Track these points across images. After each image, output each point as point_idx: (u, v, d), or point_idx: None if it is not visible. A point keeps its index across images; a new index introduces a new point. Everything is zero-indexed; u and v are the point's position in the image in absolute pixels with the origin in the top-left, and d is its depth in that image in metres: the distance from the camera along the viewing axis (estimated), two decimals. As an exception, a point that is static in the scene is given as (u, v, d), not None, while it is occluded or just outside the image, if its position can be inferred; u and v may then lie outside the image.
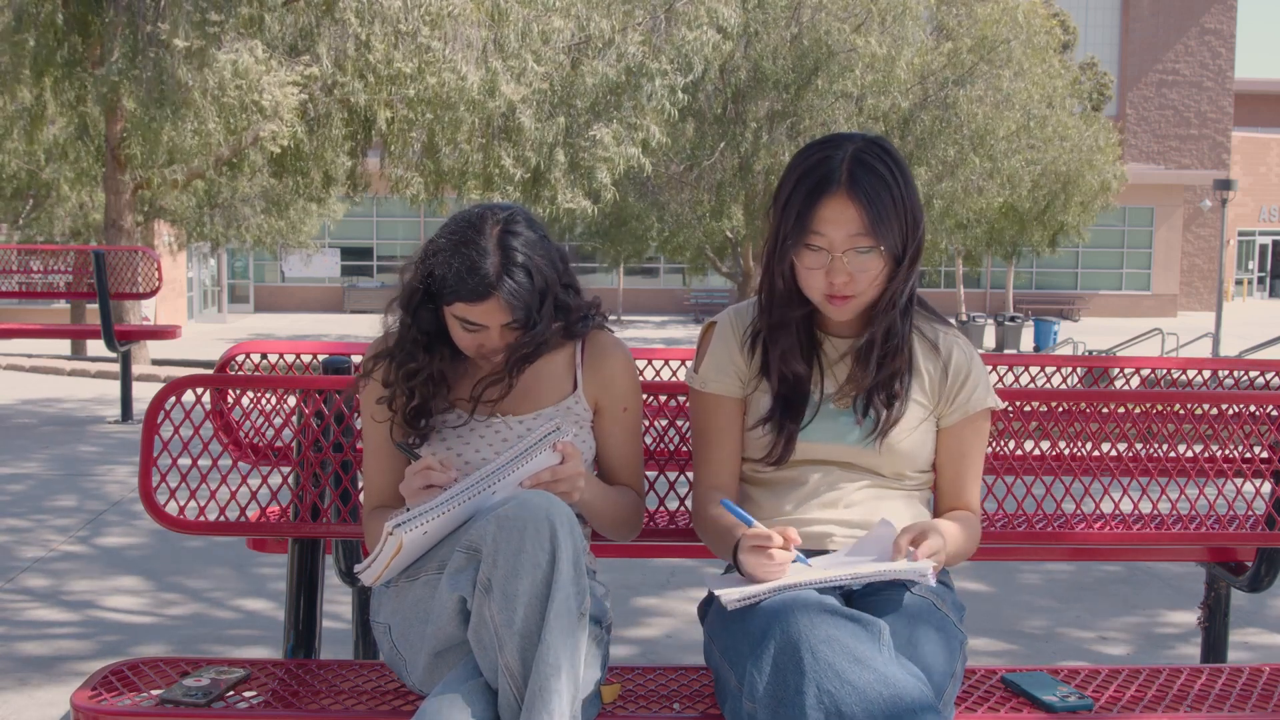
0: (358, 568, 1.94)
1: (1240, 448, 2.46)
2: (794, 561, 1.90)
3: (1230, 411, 2.45)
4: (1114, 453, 2.46)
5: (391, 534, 1.86)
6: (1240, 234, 44.77)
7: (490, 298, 1.96)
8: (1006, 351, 24.17)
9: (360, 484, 2.40)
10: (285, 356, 3.11)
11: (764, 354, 2.11)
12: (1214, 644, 2.83)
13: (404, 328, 2.06)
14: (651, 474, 2.47)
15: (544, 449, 1.92)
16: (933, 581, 1.87)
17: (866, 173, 1.96)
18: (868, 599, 1.95)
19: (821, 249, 1.97)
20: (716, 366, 2.13)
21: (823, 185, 1.96)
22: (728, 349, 2.14)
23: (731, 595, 1.85)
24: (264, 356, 3.03)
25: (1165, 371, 3.34)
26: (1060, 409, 2.42)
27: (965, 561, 2.14)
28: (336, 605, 3.82)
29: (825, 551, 2.05)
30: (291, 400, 2.41)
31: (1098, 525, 2.47)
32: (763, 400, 2.10)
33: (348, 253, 36.78)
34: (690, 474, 2.27)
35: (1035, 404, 2.42)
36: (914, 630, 1.86)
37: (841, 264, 1.97)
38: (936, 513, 2.17)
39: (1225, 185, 23.53)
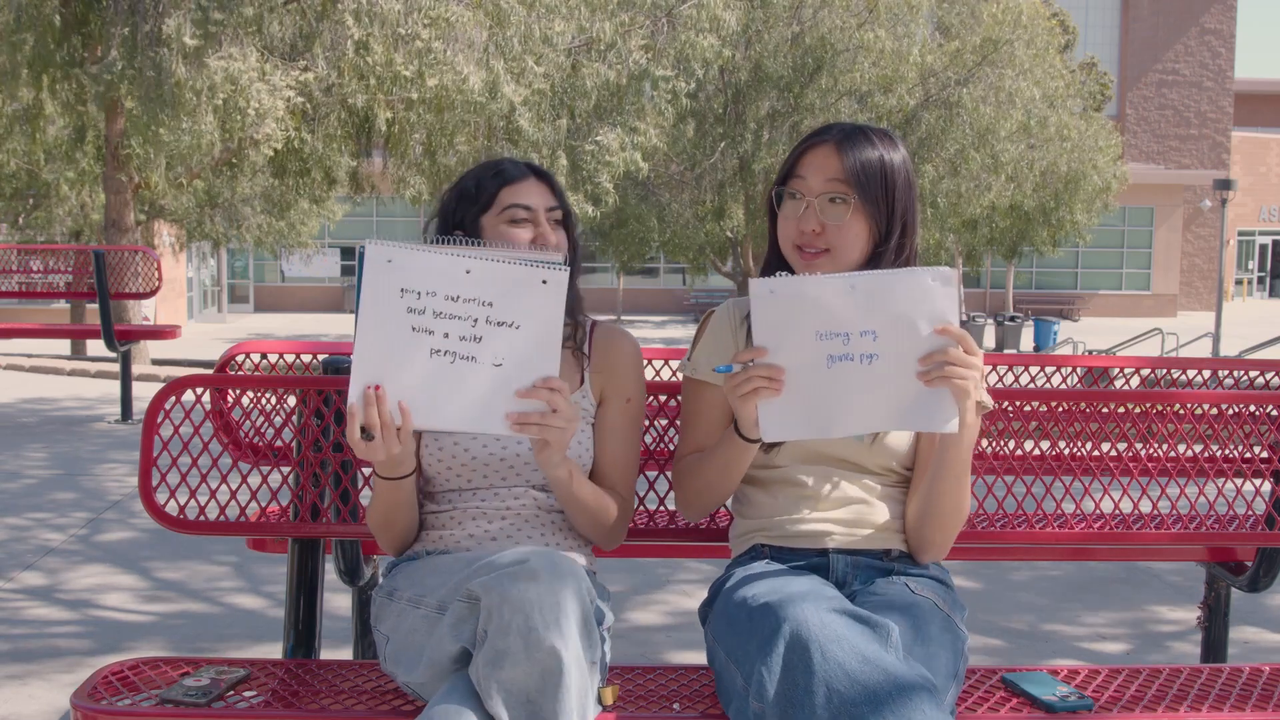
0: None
1: (1240, 448, 2.46)
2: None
3: (1230, 411, 2.45)
4: (1114, 452, 2.46)
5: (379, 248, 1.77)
6: (1240, 234, 44.76)
7: (531, 176, 2.12)
8: (1006, 351, 24.14)
9: (366, 474, 2.39)
10: (285, 356, 3.11)
11: None
12: (1214, 644, 2.82)
13: None
14: (651, 474, 2.47)
15: (535, 270, 1.78)
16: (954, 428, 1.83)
17: (860, 135, 2.04)
18: (871, 599, 1.95)
19: (800, 195, 2.03)
20: (706, 354, 2.15)
21: (813, 139, 2.07)
22: (719, 338, 2.16)
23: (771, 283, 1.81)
24: (264, 356, 3.02)
25: (1165, 371, 3.33)
26: (1060, 409, 2.42)
27: (965, 562, 2.13)
28: (336, 605, 3.82)
29: (826, 550, 2.05)
30: (291, 400, 2.41)
31: (1097, 525, 2.47)
32: None
33: (348, 253, 36.76)
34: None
35: (1035, 404, 2.42)
36: (918, 631, 1.86)
37: (814, 210, 2.02)
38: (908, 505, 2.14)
39: (1225, 185, 23.50)
